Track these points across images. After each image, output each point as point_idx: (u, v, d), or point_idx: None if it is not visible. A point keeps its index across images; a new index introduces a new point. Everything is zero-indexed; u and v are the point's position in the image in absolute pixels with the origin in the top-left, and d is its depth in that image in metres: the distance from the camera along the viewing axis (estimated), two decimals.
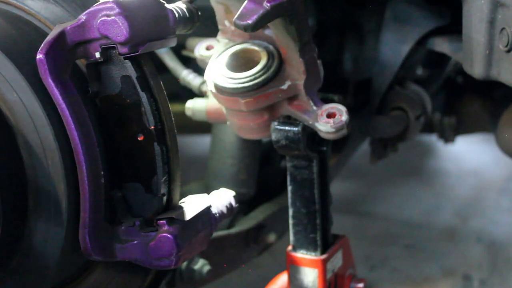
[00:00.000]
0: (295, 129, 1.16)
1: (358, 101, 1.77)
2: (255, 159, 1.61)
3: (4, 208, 0.97)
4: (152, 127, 0.99)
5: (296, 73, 1.15)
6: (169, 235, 0.98)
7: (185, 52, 1.49)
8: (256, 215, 1.54)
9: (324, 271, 1.23)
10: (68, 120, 0.96)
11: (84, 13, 0.96)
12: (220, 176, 1.60)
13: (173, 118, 1.02)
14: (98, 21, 0.94)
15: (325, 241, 1.25)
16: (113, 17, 0.94)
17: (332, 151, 1.27)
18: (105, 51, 0.96)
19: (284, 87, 1.16)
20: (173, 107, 1.05)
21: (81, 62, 1.02)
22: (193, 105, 1.34)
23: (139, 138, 1.00)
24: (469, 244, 2.32)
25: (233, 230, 1.45)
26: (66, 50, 0.96)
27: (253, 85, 1.15)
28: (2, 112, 0.99)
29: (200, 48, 1.29)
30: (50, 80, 0.95)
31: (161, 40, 1.01)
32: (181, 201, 1.05)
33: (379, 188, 2.83)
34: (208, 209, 1.06)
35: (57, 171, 0.98)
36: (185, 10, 1.11)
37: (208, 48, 1.29)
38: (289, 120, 1.19)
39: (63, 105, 0.95)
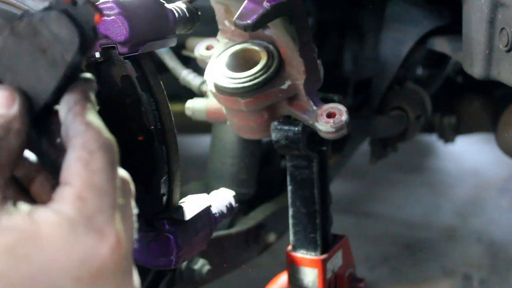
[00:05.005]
0: (295, 129, 1.16)
1: (358, 101, 1.77)
2: (255, 159, 1.61)
3: None
4: (152, 127, 0.99)
5: (296, 73, 1.15)
6: (169, 235, 0.98)
7: (185, 52, 1.49)
8: (256, 215, 1.54)
9: (324, 271, 1.23)
10: None
11: None
12: (220, 176, 1.60)
13: (173, 118, 1.02)
14: None
15: (325, 241, 1.25)
16: (113, 17, 0.94)
17: (332, 151, 1.27)
18: (105, 51, 0.96)
19: (284, 87, 1.16)
20: (173, 107, 1.05)
21: None
22: (193, 105, 1.34)
23: (139, 138, 1.00)
24: (469, 244, 2.33)
25: (233, 230, 1.45)
26: None
27: (253, 85, 1.15)
28: None
29: (200, 48, 1.29)
30: None
31: (161, 40, 1.01)
32: (181, 201, 1.05)
33: (379, 188, 2.83)
34: (208, 209, 1.06)
35: None
36: (185, 10, 1.11)
37: (208, 48, 1.29)
38: (289, 120, 1.19)
39: None
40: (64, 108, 0.65)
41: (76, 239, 0.58)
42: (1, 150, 0.61)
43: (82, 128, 0.63)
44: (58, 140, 0.67)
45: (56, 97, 0.66)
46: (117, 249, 0.60)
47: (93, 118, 0.64)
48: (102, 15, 0.64)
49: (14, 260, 0.56)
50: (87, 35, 0.65)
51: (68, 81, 0.66)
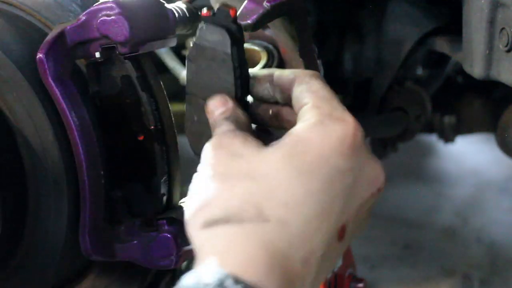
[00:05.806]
0: None
1: (358, 101, 1.77)
2: None
3: (4, 209, 0.97)
4: (152, 127, 0.99)
5: None
6: (169, 235, 0.98)
7: (185, 52, 1.48)
8: None
9: None
10: (68, 120, 0.96)
11: (84, 13, 0.96)
12: None
13: (173, 118, 1.02)
14: (98, 21, 0.94)
15: None
16: (113, 17, 0.94)
17: None
18: (105, 51, 0.96)
19: None
20: (173, 107, 1.05)
21: (81, 62, 1.02)
22: None
23: (139, 138, 1.00)
24: (469, 244, 2.32)
25: None
26: (66, 50, 0.96)
27: None
28: (2, 112, 0.99)
29: None
30: (50, 80, 0.95)
31: (161, 40, 1.01)
32: (181, 201, 1.05)
33: None
34: None
35: (57, 171, 0.98)
36: (185, 10, 1.11)
37: None
38: None
39: (63, 105, 0.95)
40: (260, 89, 0.86)
41: (330, 129, 0.75)
42: (242, 125, 0.81)
43: (291, 73, 0.83)
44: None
45: (242, 89, 0.84)
46: (360, 129, 0.77)
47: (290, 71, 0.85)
48: (234, 8, 0.83)
49: (294, 160, 0.73)
50: (232, 29, 0.83)
51: (242, 74, 0.84)
